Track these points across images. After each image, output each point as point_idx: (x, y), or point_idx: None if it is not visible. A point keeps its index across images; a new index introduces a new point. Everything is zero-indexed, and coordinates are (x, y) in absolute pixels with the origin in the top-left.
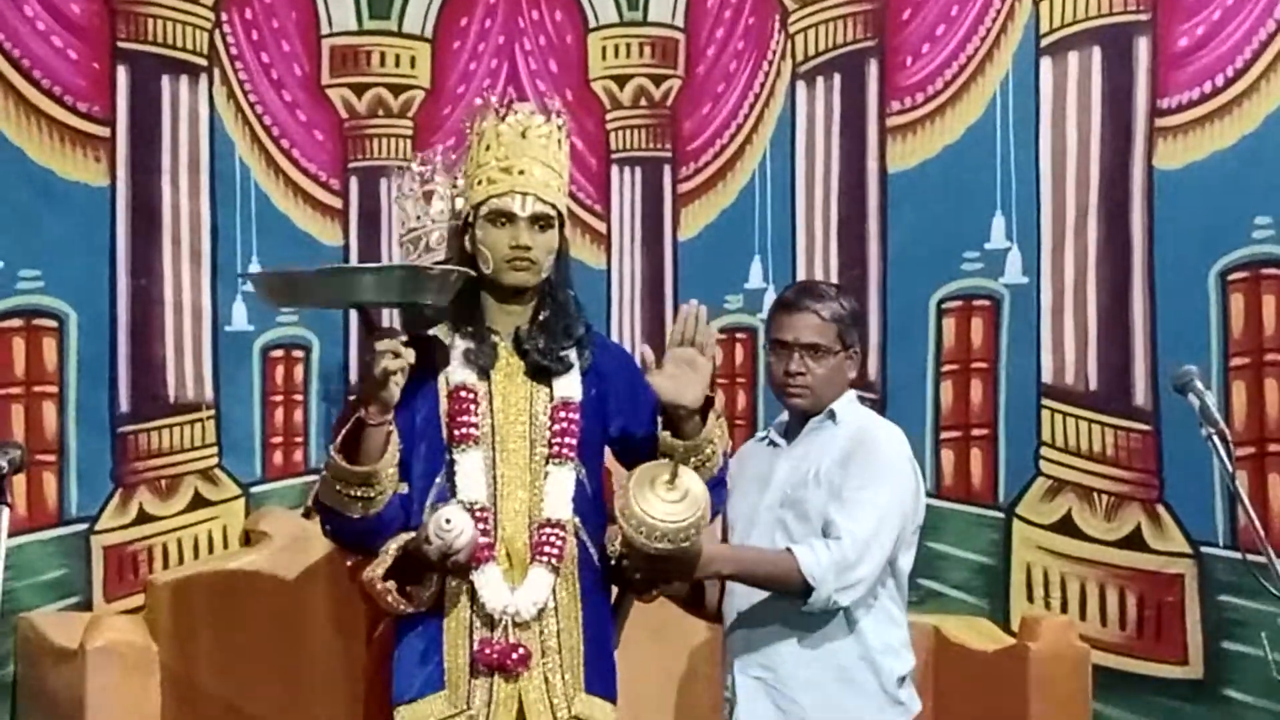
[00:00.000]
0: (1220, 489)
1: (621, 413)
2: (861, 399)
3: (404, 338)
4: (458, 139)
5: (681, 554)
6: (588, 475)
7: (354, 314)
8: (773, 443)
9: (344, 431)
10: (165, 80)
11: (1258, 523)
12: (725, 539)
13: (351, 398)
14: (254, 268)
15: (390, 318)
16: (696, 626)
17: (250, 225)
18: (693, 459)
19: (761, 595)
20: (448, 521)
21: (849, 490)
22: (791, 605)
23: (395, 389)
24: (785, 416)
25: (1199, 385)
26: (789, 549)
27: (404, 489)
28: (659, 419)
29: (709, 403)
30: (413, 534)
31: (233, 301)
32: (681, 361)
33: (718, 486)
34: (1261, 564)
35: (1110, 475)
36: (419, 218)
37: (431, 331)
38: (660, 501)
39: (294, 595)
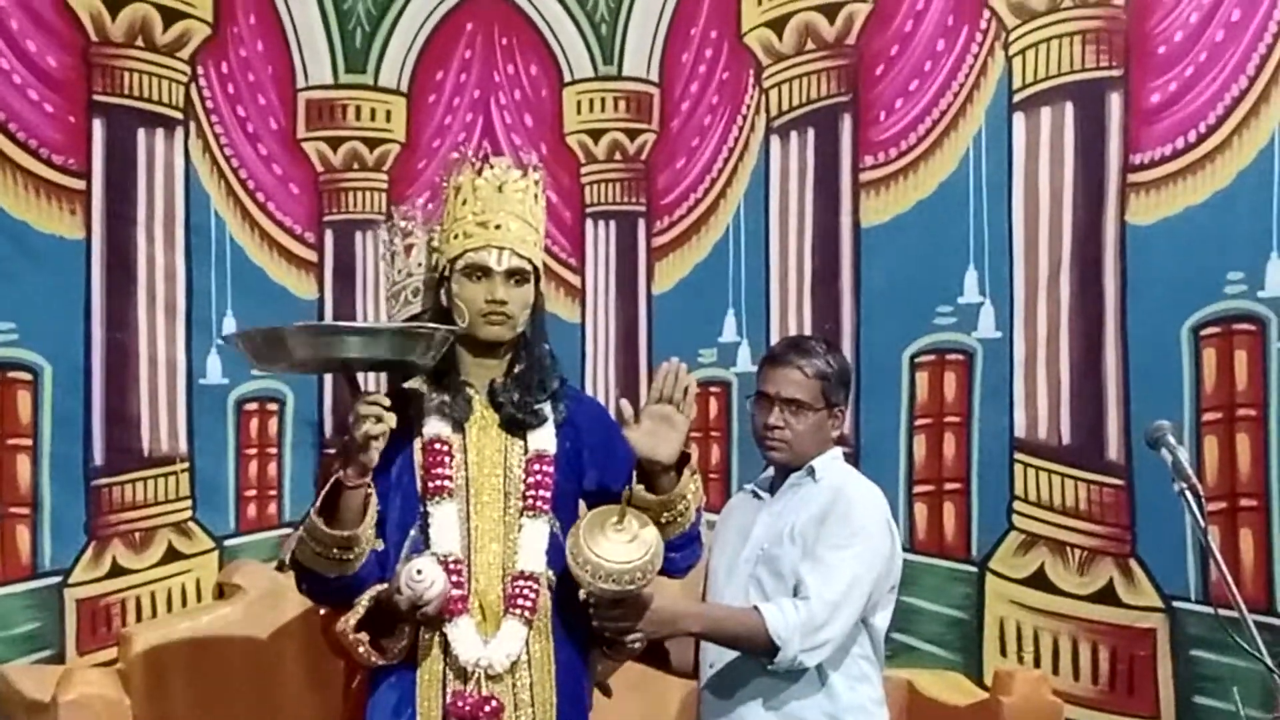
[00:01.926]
0: (1192, 544)
1: (596, 466)
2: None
3: (387, 401)
4: (433, 193)
5: (630, 597)
6: (562, 528)
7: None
8: (757, 495)
9: (323, 493)
10: (141, 133)
11: (1229, 577)
12: (705, 590)
13: (328, 452)
14: (229, 321)
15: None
16: (674, 680)
17: (225, 278)
18: (665, 514)
19: (732, 653)
20: (419, 573)
21: (822, 549)
22: (761, 662)
23: (375, 453)
24: (770, 471)
25: (1171, 440)
26: (757, 608)
27: (379, 545)
28: (634, 473)
29: (685, 459)
30: (386, 586)
31: (207, 354)
32: (659, 417)
33: (692, 542)
34: (1233, 619)
35: (1083, 529)
36: (400, 270)
37: (409, 384)
38: (608, 543)
39: (268, 648)
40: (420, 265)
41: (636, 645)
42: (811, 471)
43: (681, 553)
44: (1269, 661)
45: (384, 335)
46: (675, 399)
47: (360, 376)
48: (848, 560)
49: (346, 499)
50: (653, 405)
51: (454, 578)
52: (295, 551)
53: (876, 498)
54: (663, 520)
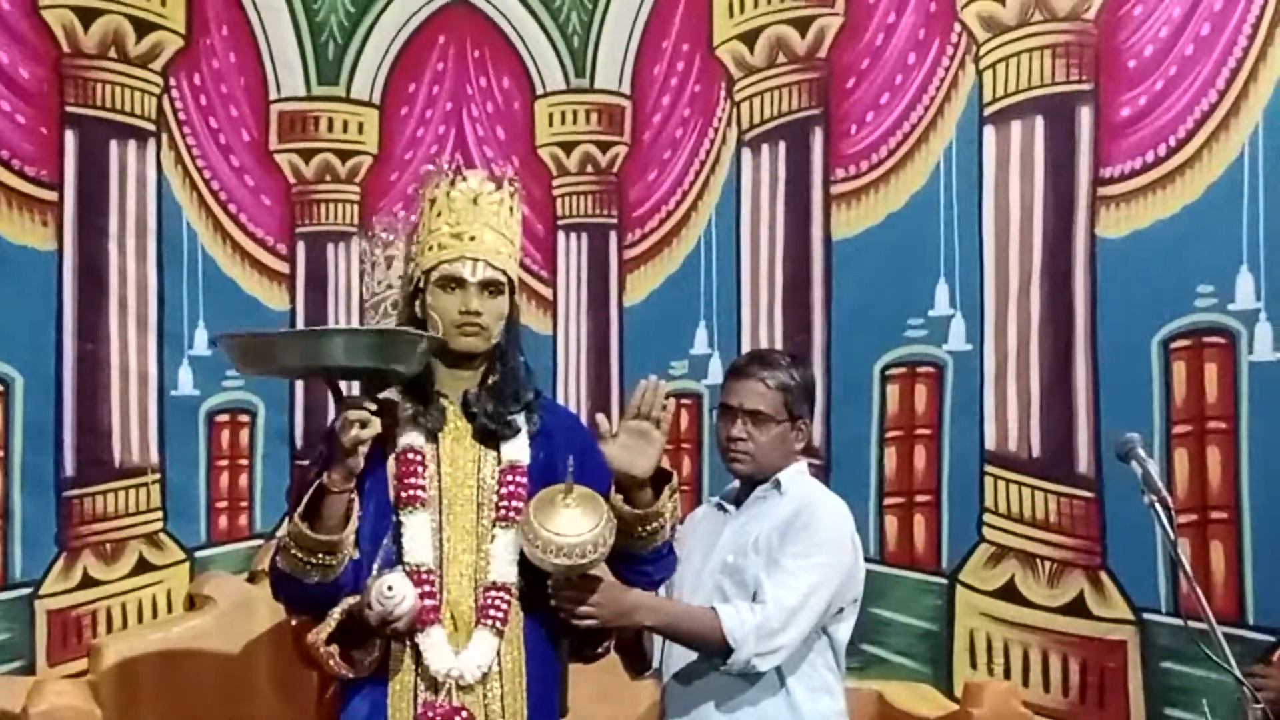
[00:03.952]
0: (1163, 556)
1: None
2: (811, 466)
3: (374, 405)
4: (405, 204)
5: (586, 576)
6: None
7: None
8: (722, 508)
9: (306, 498)
10: (113, 145)
11: (1199, 590)
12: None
13: (301, 463)
14: (200, 333)
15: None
16: (642, 691)
17: (197, 290)
18: (641, 529)
19: (695, 655)
20: (389, 589)
21: (784, 558)
22: (715, 664)
23: (360, 458)
24: (736, 483)
25: (1141, 453)
26: (714, 608)
27: (355, 554)
28: (612, 485)
29: (665, 476)
30: (357, 599)
31: (179, 366)
32: (635, 433)
33: (666, 555)
34: (1203, 631)
35: (1053, 542)
36: (380, 282)
37: (384, 394)
38: (559, 519)
39: (239, 659)
40: (401, 277)
41: (604, 649)
42: (777, 484)
43: (655, 565)
44: (1238, 673)
45: (370, 338)
46: (654, 415)
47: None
48: (808, 569)
49: (330, 504)
50: (630, 421)
51: (426, 588)
52: (275, 558)
53: (841, 511)
54: (637, 534)
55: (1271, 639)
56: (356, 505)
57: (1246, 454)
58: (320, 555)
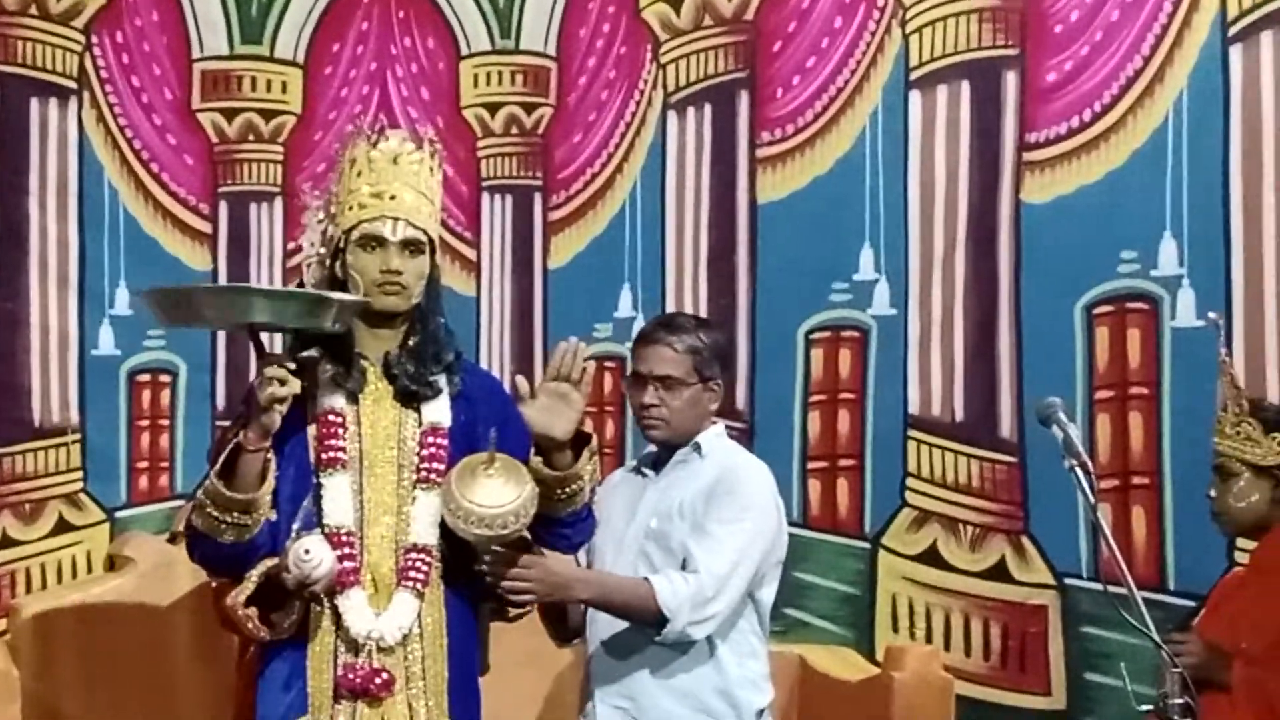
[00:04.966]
0: (1084, 521)
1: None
2: (730, 429)
3: (292, 365)
4: (328, 165)
5: (522, 555)
6: None
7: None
8: (641, 473)
9: (223, 456)
10: (34, 103)
11: (1119, 555)
12: (591, 567)
13: (223, 424)
14: (121, 292)
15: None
16: (564, 654)
17: (118, 249)
18: (560, 491)
19: (623, 624)
20: (307, 552)
21: (711, 524)
22: (648, 634)
23: (278, 416)
24: (652, 447)
25: (1062, 417)
26: (647, 579)
27: (273, 516)
28: (532, 448)
29: (584, 438)
30: (276, 561)
31: (99, 325)
32: (554, 394)
33: (585, 519)
34: (1123, 596)
35: (975, 506)
36: (312, 244)
37: (305, 353)
38: (481, 489)
39: (159, 620)
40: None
41: (525, 610)
42: (697, 447)
43: (574, 528)
44: (1157, 638)
45: (293, 300)
46: (573, 377)
47: (265, 339)
48: (736, 535)
49: (246, 463)
50: (549, 382)
51: (346, 550)
52: (191, 517)
53: (764, 473)
54: (556, 496)
55: (1192, 604)
56: (273, 465)
57: (1168, 420)
58: (235, 514)
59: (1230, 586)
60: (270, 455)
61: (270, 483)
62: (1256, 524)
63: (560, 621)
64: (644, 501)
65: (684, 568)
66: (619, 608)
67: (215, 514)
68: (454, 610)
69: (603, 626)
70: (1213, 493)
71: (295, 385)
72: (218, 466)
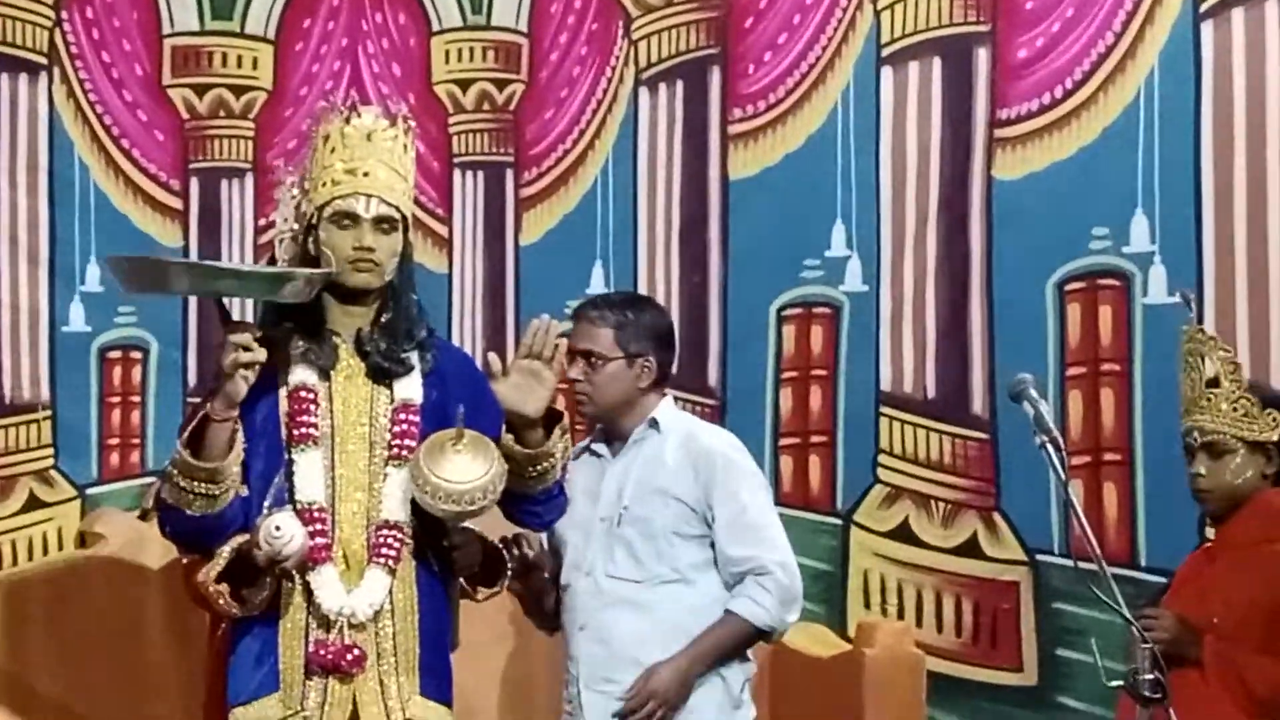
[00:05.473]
0: (1055, 497)
1: None
2: (702, 406)
3: (259, 333)
4: (300, 141)
5: (469, 518)
6: None
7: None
8: (594, 453)
9: (190, 427)
10: (4, 78)
11: (1089, 531)
12: (554, 549)
13: (195, 400)
14: (92, 269)
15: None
16: (537, 633)
17: (89, 225)
18: (532, 469)
19: (604, 608)
20: (277, 529)
21: (739, 518)
22: (639, 617)
23: (243, 384)
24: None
25: (1033, 393)
26: (730, 610)
27: (244, 491)
28: (504, 425)
29: (556, 416)
30: (247, 537)
31: (70, 302)
32: (527, 372)
33: (556, 497)
34: (1094, 572)
35: (947, 483)
36: (285, 219)
37: (276, 329)
38: (447, 464)
39: (130, 597)
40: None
41: (495, 590)
42: (654, 424)
43: (545, 506)
44: (1127, 614)
45: (260, 275)
46: (545, 355)
47: (235, 308)
48: (763, 512)
49: (213, 433)
50: (522, 360)
51: (318, 526)
52: (161, 490)
53: (733, 439)
54: (528, 474)
55: (1163, 580)
56: (240, 435)
57: (1140, 396)
58: (202, 483)
59: (1199, 562)
60: (238, 426)
61: (238, 453)
62: (1237, 501)
63: (543, 613)
64: (607, 482)
65: (735, 573)
66: (732, 650)
67: (183, 484)
68: (425, 586)
69: (581, 611)
70: (1203, 470)
71: (261, 353)
72: (185, 436)
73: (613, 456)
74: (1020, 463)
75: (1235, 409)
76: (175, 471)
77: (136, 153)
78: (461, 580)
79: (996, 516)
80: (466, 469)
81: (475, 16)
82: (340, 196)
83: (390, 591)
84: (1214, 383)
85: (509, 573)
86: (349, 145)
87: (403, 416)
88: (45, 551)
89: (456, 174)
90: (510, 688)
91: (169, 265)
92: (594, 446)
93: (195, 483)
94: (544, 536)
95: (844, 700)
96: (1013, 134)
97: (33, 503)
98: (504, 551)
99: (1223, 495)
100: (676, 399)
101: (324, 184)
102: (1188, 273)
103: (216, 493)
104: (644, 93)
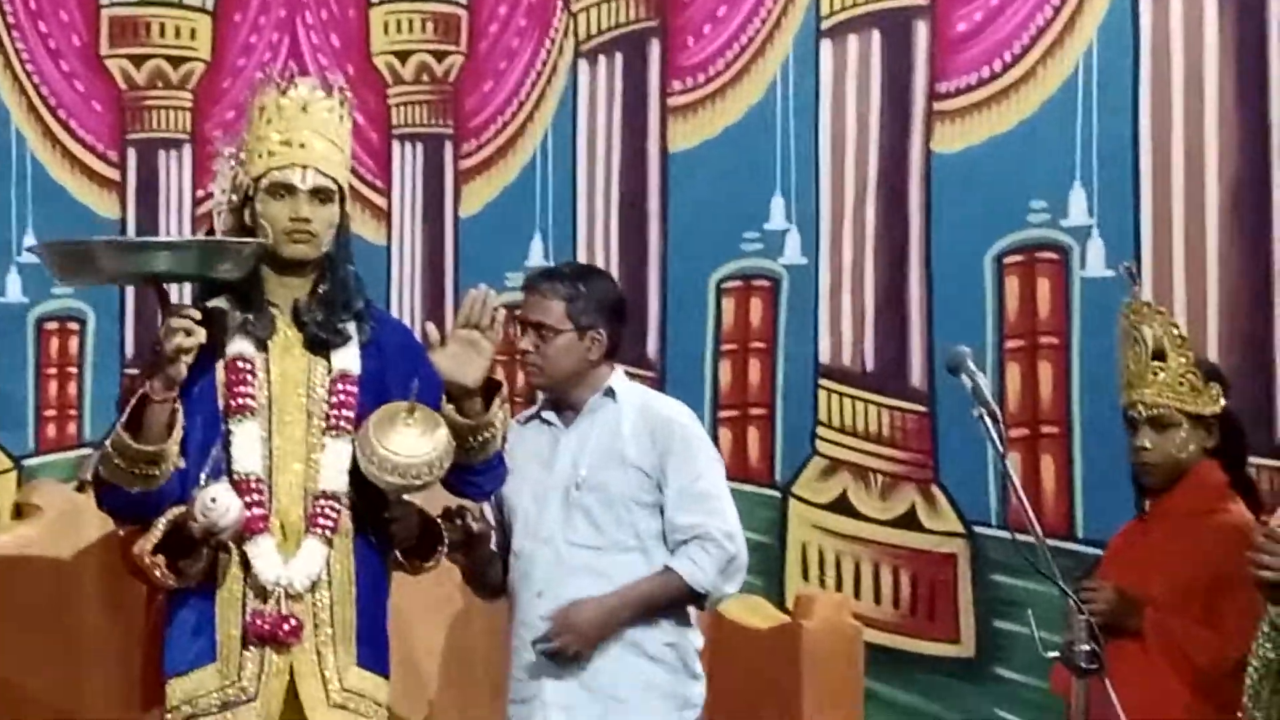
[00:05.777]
0: (993, 470)
1: (400, 387)
2: (640, 378)
3: (198, 315)
4: (238, 112)
5: (411, 492)
6: None
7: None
8: (546, 422)
9: (129, 407)
10: None
11: (1026, 503)
12: (504, 519)
13: (130, 372)
14: (29, 240)
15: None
16: (476, 603)
17: (26, 196)
18: (471, 439)
19: (566, 576)
20: (213, 500)
21: (691, 485)
22: (599, 583)
23: (183, 367)
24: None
25: (971, 366)
26: (668, 567)
27: (181, 463)
28: (444, 396)
29: (494, 386)
30: (183, 509)
31: (6, 273)
32: (465, 342)
33: (496, 467)
34: (1031, 544)
35: (885, 455)
36: (223, 191)
37: (213, 302)
38: (398, 437)
39: (67, 569)
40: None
41: (433, 562)
42: (610, 393)
43: (485, 476)
44: (1064, 586)
45: (192, 249)
46: (482, 325)
47: (172, 292)
48: (716, 482)
49: (153, 413)
50: (460, 330)
51: (255, 496)
52: (98, 466)
53: (689, 411)
54: (468, 445)
55: (1100, 552)
56: (180, 415)
57: (1077, 369)
58: (142, 466)
59: (1134, 533)
60: (178, 406)
61: (178, 433)
62: (1178, 474)
63: (484, 583)
64: (561, 450)
65: (678, 536)
66: (662, 608)
67: (122, 465)
68: (363, 557)
69: (538, 581)
70: (1147, 444)
71: (201, 335)
72: (124, 418)
73: (565, 426)
74: (958, 435)
75: (1181, 383)
76: (114, 453)
77: (74, 123)
78: (397, 553)
79: (934, 489)
80: (415, 444)
81: None
82: (276, 168)
83: (328, 562)
84: (1159, 355)
85: (444, 547)
86: (285, 117)
87: (340, 387)
88: None
89: (395, 145)
90: (449, 657)
91: (95, 245)
92: (544, 415)
93: (135, 464)
94: (486, 506)
95: (782, 672)
96: (952, 107)
97: None
98: (441, 525)
99: (1167, 469)
100: None
101: (260, 155)
102: (1125, 246)
103: (156, 473)
104: (583, 65)
